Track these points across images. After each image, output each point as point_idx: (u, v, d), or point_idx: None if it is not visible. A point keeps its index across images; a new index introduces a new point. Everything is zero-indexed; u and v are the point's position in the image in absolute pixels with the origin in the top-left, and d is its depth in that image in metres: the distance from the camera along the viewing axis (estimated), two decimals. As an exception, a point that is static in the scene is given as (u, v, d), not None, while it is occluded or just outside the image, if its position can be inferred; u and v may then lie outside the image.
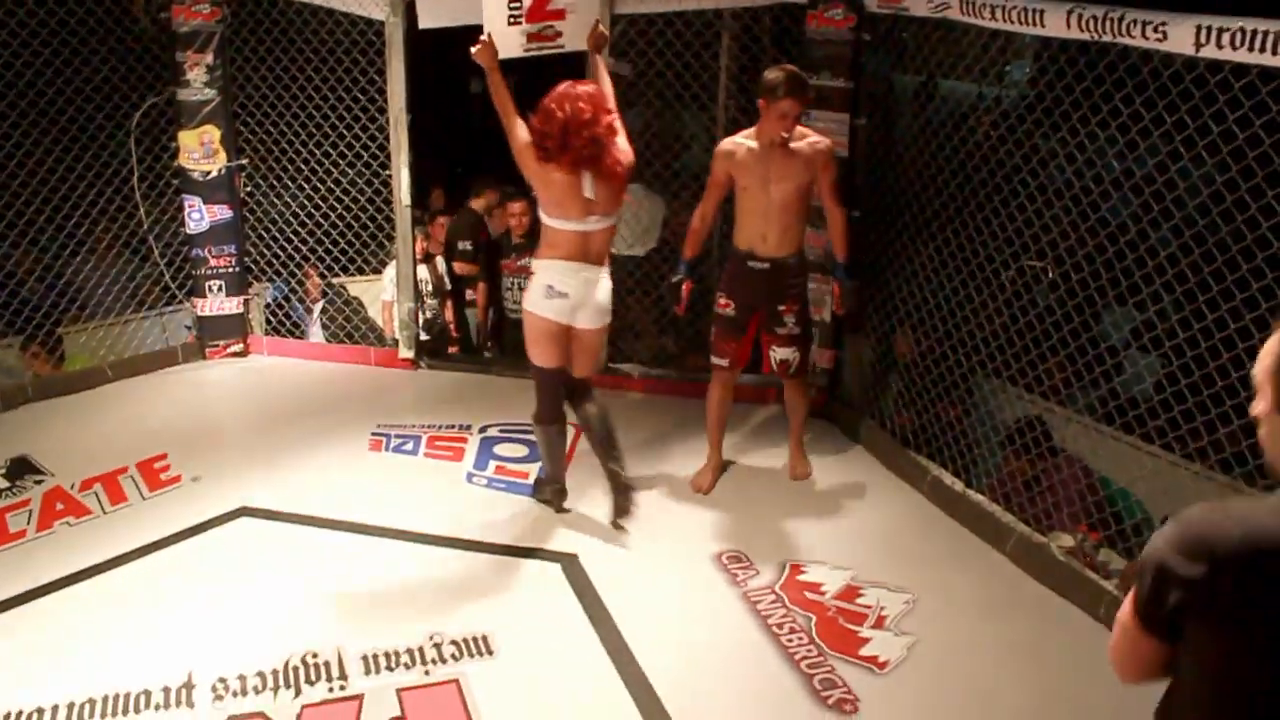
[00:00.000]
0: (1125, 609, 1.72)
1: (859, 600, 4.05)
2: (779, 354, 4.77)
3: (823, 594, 4.09)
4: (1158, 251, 3.90)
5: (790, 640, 3.79)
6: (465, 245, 7.02)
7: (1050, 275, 4.63)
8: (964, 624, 3.93)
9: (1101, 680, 3.60)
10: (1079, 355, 4.26)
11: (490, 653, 3.69)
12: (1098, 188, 4.16)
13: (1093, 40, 3.77)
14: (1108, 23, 3.65)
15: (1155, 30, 3.49)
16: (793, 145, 4.49)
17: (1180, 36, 3.42)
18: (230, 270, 6.40)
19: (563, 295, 4.24)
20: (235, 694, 3.47)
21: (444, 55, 6.52)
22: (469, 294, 7.19)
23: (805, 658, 3.70)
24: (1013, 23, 4.13)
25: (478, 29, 5.60)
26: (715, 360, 4.88)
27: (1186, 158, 3.68)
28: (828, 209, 4.67)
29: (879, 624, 3.91)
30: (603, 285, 4.33)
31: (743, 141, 4.59)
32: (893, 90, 5.32)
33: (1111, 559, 4.24)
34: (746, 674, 3.63)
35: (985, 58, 4.62)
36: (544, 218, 4.24)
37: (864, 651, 3.74)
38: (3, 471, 4.97)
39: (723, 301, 4.79)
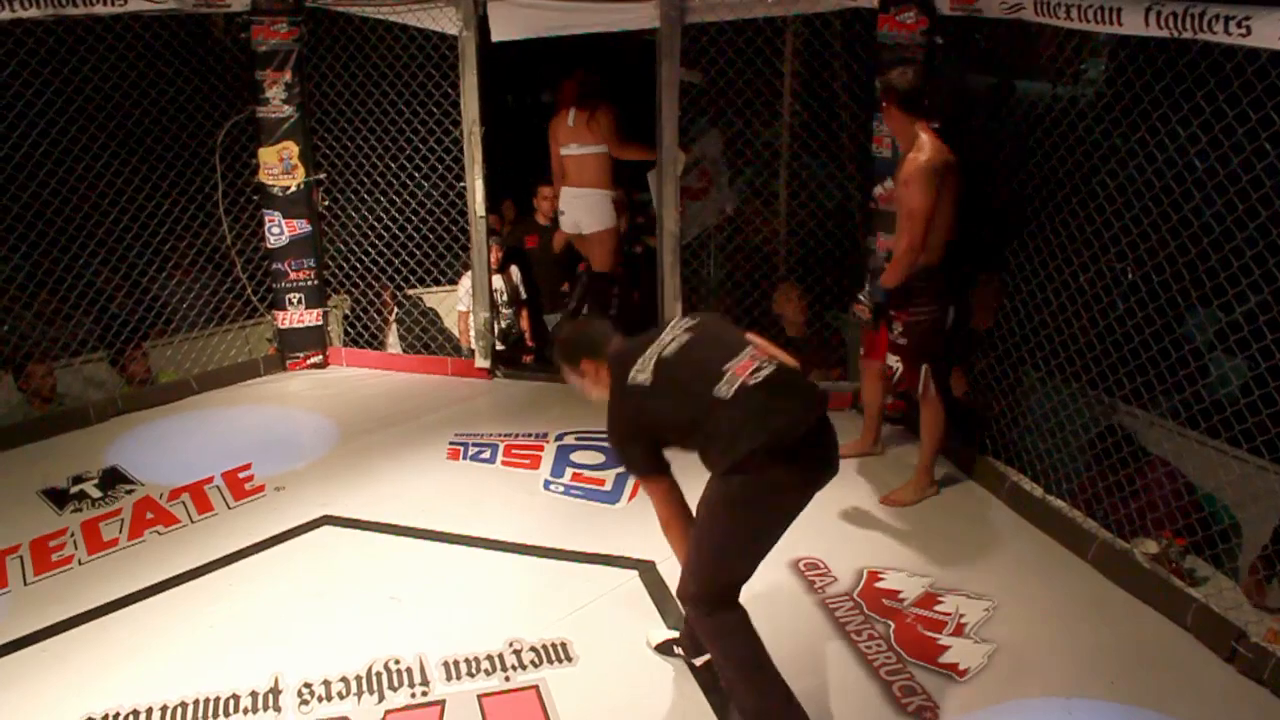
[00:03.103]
0: (660, 506, 3.34)
1: (938, 607, 4.01)
2: (887, 359, 4.76)
3: (901, 601, 4.06)
4: (1244, 251, 3.81)
5: (869, 647, 3.77)
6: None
7: (1131, 277, 4.53)
8: (1045, 632, 3.87)
9: (1189, 689, 3.54)
10: (1162, 358, 4.18)
11: (570, 659, 3.71)
12: (1180, 187, 4.08)
13: (1172, 38, 3.70)
14: (1189, 19, 3.58)
15: (1239, 25, 3.41)
16: (908, 155, 4.45)
17: (1266, 30, 3.34)
18: (309, 283, 6.54)
19: (563, 213, 6.42)
20: (320, 699, 3.54)
21: (516, 67, 6.62)
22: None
23: (884, 665, 3.68)
24: (1089, 22, 4.06)
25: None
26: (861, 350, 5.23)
27: (1273, 154, 3.60)
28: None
29: (958, 631, 3.87)
30: (592, 200, 6.29)
31: None
32: (967, 92, 5.26)
33: (1198, 566, 4.15)
34: (825, 681, 3.61)
35: (1060, 57, 4.56)
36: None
37: (943, 659, 3.71)
38: (95, 482, 5.12)
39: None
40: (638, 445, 3.23)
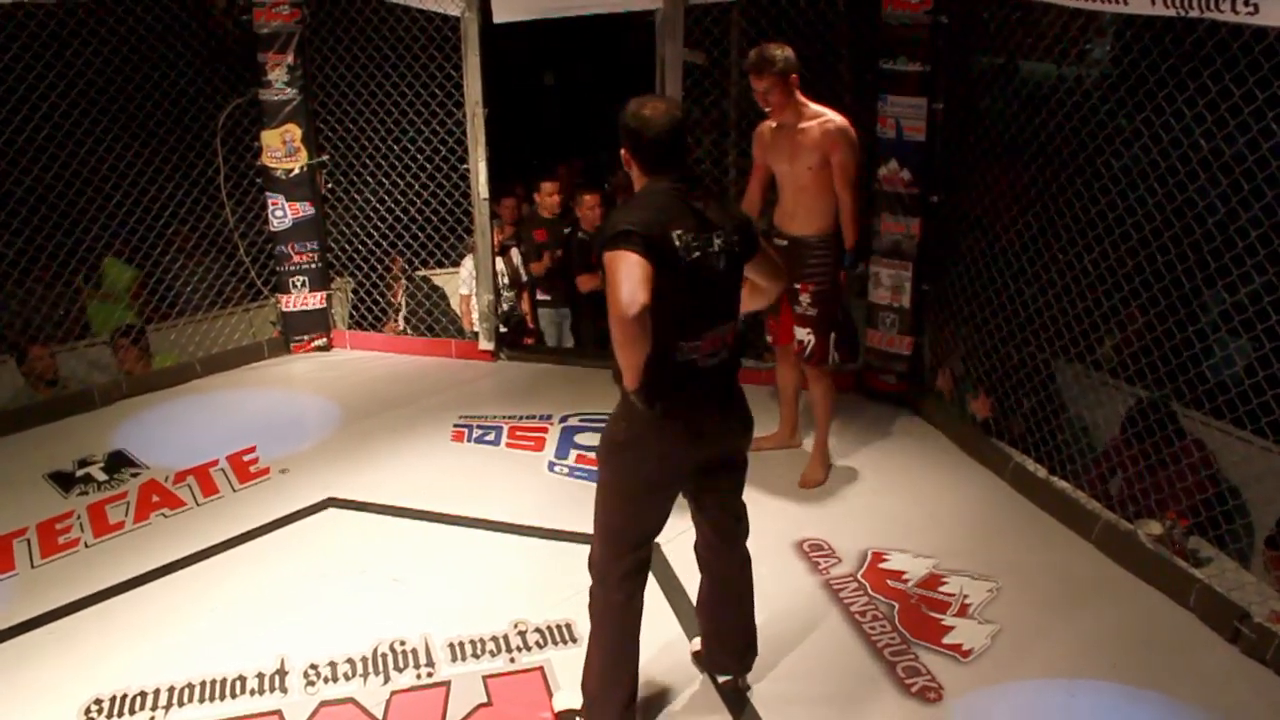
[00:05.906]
0: (627, 265, 2.72)
1: (942, 588, 4.02)
2: (796, 333, 4.72)
3: (905, 582, 4.07)
4: (1248, 232, 3.80)
5: (873, 628, 3.78)
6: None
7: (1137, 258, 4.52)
8: (1049, 612, 3.88)
9: (1192, 670, 3.55)
10: (1166, 339, 4.17)
11: (574, 640, 3.72)
12: (1185, 168, 4.06)
13: (1179, 16, 3.67)
14: (1195, -2, 3.56)
15: (1246, 4, 3.39)
16: (803, 125, 4.48)
17: (1274, 10, 3.32)
18: (313, 266, 6.53)
19: None
20: (326, 680, 3.55)
21: (519, 48, 6.59)
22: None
23: (888, 646, 3.69)
24: (1095, 1, 4.04)
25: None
26: (769, 338, 5.07)
27: (1280, 134, 3.58)
28: (837, 192, 4.53)
29: (962, 612, 3.88)
30: None
31: (771, 123, 4.61)
32: (972, 73, 5.23)
33: (1201, 546, 4.16)
34: (829, 662, 3.62)
35: (1066, 37, 4.53)
36: None
37: (947, 640, 3.72)
38: (101, 465, 5.13)
39: None
40: (638, 244, 2.75)
